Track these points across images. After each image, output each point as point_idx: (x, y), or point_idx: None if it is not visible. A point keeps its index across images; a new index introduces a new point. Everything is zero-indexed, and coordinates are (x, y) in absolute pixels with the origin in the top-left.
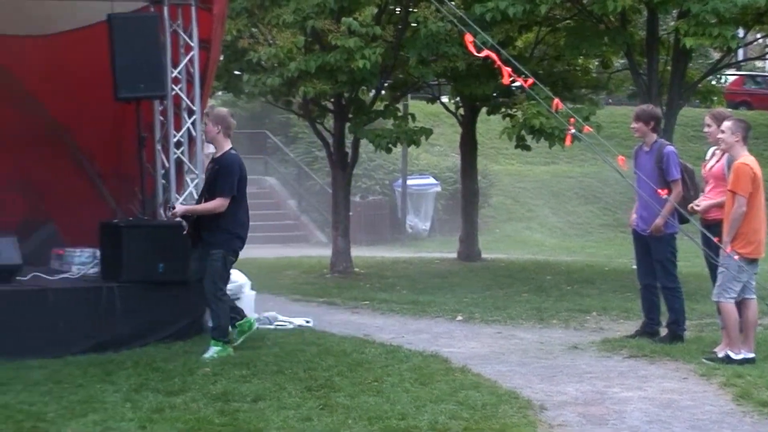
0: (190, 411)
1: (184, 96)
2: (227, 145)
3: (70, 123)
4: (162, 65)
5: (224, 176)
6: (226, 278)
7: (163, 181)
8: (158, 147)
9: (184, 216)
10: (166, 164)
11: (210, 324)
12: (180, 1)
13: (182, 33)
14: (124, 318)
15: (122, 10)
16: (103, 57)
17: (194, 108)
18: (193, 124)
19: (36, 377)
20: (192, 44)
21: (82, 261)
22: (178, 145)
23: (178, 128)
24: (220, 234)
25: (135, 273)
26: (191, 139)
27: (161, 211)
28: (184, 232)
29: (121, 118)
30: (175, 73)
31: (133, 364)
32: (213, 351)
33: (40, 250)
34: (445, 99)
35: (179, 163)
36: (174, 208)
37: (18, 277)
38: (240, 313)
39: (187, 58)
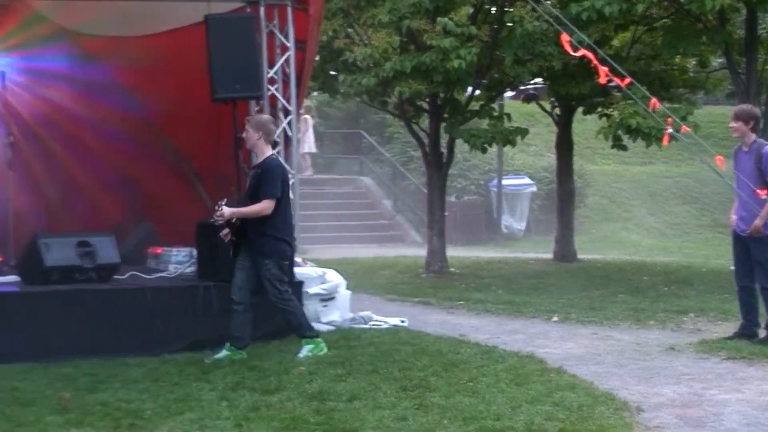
0: (286, 410)
1: (279, 96)
2: (268, 151)
3: (168, 123)
4: (258, 65)
5: (268, 179)
6: (286, 280)
7: None
8: None
9: (228, 221)
10: None
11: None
12: (276, 2)
13: (278, 33)
14: (221, 317)
15: (219, 10)
16: (200, 57)
17: (290, 108)
18: (288, 124)
19: (134, 375)
20: (288, 44)
21: (179, 260)
22: (274, 144)
23: None
24: (268, 241)
25: (231, 272)
26: (287, 139)
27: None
28: (227, 240)
29: (217, 118)
30: (271, 73)
31: (229, 363)
32: (306, 350)
33: (138, 250)
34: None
35: None
36: (222, 209)
37: (116, 276)
38: (245, 340)
39: (283, 58)
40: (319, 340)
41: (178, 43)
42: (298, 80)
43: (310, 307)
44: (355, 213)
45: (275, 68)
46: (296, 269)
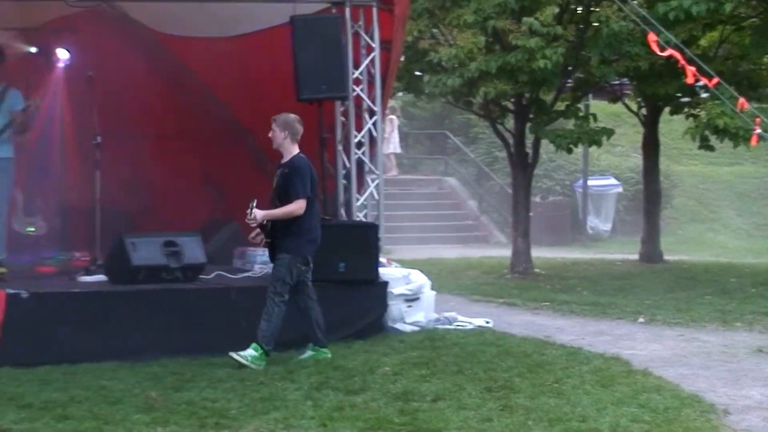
0: (371, 410)
1: (365, 97)
2: (295, 150)
3: (252, 123)
4: (343, 66)
5: (296, 178)
6: (288, 284)
7: (344, 182)
8: (339, 147)
9: (260, 224)
10: (347, 164)
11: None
12: (362, 2)
13: (363, 34)
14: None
15: (304, 11)
16: (286, 58)
17: (375, 109)
18: (374, 124)
19: (219, 374)
20: (373, 45)
21: (264, 260)
22: (359, 145)
23: (359, 129)
24: (290, 238)
25: (316, 272)
26: (372, 140)
27: (342, 212)
28: (262, 244)
29: (302, 118)
30: (357, 74)
31: (314, 363)
32: (248, 353)
33: (224, 249)
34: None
35: (360, 163)
36: (253, 211)
37: (202, 276)
38: (323, 340)
39: (369, 59)
40: (266, 357)
41: (263, 45)
42: (383, 81)
43: (395, 308)
44: (440, 213)
45: (360, 69)
46: (381, 269)
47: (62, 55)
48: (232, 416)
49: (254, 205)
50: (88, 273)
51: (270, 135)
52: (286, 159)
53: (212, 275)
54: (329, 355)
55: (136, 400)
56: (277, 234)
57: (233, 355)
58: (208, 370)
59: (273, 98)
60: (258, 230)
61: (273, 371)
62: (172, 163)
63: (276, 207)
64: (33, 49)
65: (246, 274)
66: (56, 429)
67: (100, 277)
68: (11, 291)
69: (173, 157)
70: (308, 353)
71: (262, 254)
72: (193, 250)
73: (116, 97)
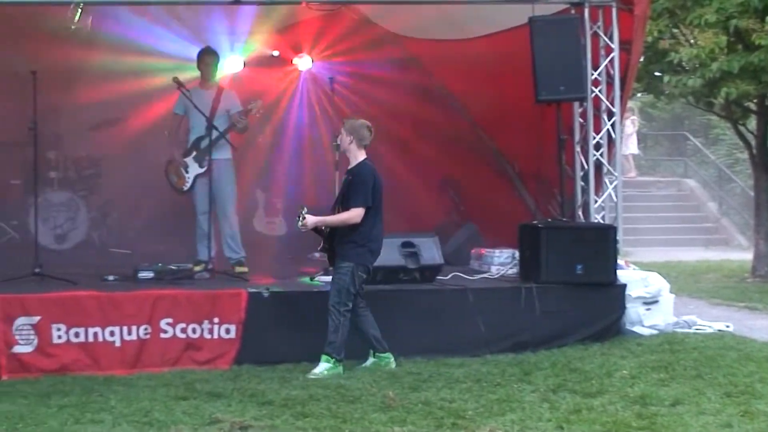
0: (608, 413)
1: (603, 98)
2: (361, 156)
3: (490, 125)
4: (582, 67)
5: (358, 186)
6: (352, 294)
7: (582, 183)
8: (577, 149)
9: (317, 229)
10: (585, 166)
11: (627, 326)
12: (601, 3)
13: (602, 35)
14: (543, 319)
15: (542, 12)
16: (523, 59)
17: (614, 110)
18: (612, 126)
19: (456, 375)
20: (612, 46)
21: (501, 261)
22: (598, 146)
23: (597, 130)
24: (351, 247)
25: (554, 274)
26: (610, 141)
27: (579, 213)
28: (319, 248)
29: (540, 120)
30: (595, 75)
31: (550, 365)
32: (322, 368)
33: (461, 250)
34: None
35: (598, 164)
36: (304, 218)
37: (439, 277)
38: (383, 345)
39: (607, 59)
40: (340, 363)
41: (501, 46)
42: (622, 82)
43: (633, 311)
44: (679, 216)
45: (599, 70)
46: (619, 272)
47: (304, 58)
48: (469, 417)
49: (305, 211)
50: (327, 273)
51: (339, 139)
52: (352, 165)
53: (449, 276)
54: (392, 360)
55: (373, 399)
56: (336, 241)
57: (311, 377)
58: (445, 370)
59: (511, 100)
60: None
61: (509, 373)
62: (412, 164)
63: (338, 212)
64: (275, 53)
65: (483, 276)
66: (295, 426)
67: None
68: (252, 290)
69: (414, 159)
70: (371, 360)
71: (499, 256)
72: (430, 251)
73: (356, 100)
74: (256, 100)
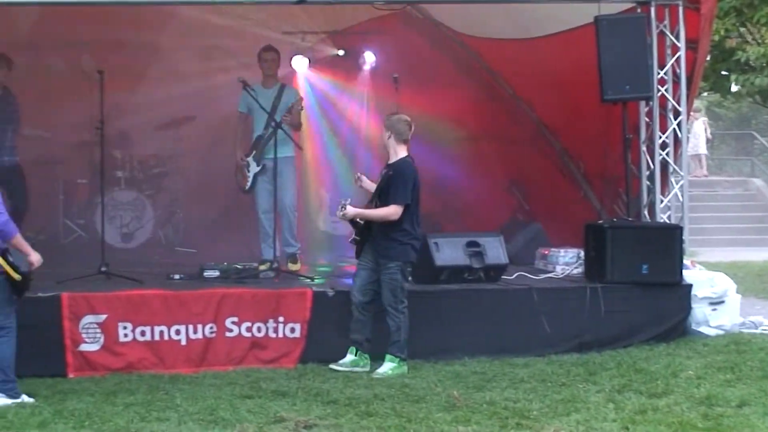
0: (673, 414)
1: (669, 97)
2: (401, 152)
3: (556, 124)
4: (648, 66)
5: (398, 183)
6: (405, 290)
7: (648, 183)
8: (643, 148)
9: (354, 221)
10: (651, 165)
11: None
12: (667, 1)
13: (669, 33)
14: (608, 319)
15: (608, 11)
16: (589, 59)
17: (680, 109)
18: (678, 125)
19: (520, 375)
20: (679, 45)
21: (566, 261)
22: (664, 146)
23: (663, 130)
24: (394, 245)
25: (619, 274)
26: (677, 141)
27: (645, 213)
28: (350, 240)
29: (606, 119)
30: (661, 74)
31: (616, 365)
32: (387, 368)
33: (526, 250)
34: None
35: (664, 164)
36: (345, 208)
37: (504, 276)
38: (363, 345)
39: (674, 58)
40: (405, 362)
41: (566, 46)
42: (688, 81)
43: (698, 311)
44: (746, 215)
45: (665, 69)
46: (685, 272)
47: (369, 57)
48: (533, 417)
49: (348, 201)
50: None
51: (381, 135)
52: (391, 160)
53: (514, 276)
54: (367, 364)
55: (438, 399)
56: (377, 239)
57: (375, 376)
58: (509, 370)
59: (576, 100)
60: (353, 228)
61: (574, 373)
62: (477, 164)
63: (376, 206)
64: (340, 52)
65: (547, 275)
66: (360, 425)
67: None
68: (317, 289)
69: (478, 159)
70: (349, 358)
71: (563, 255)
72: (495, 250)
73: (421, 99)
74: (297, 98)
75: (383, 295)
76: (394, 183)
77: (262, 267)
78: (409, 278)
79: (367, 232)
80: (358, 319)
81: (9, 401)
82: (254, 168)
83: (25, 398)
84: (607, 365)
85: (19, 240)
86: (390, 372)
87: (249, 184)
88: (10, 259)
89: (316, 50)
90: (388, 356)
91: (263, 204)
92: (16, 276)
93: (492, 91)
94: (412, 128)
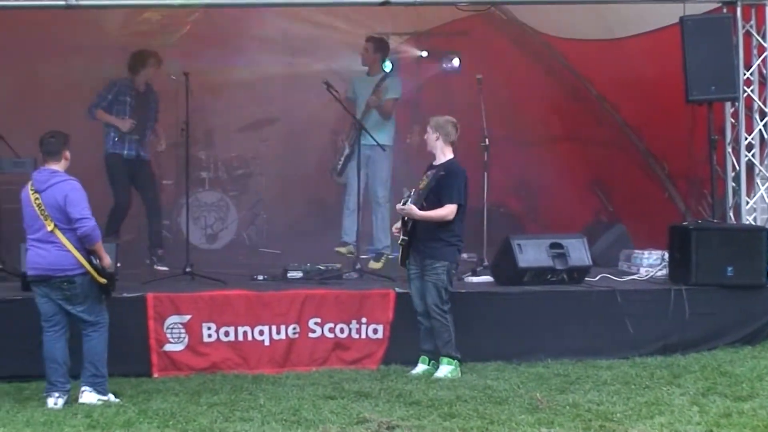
0: (759, 417)
1: (755, 98)
2: (449, 153)
3: (640, 125)
4: (734, 67)
5: (452, 183)
6: (450, 290)
7: (733, 184)
8: (728, 149)
9: (402, 221)
10: (737, 167)
11: None
12: (754, 1)
13: (755, 33)
14: (693, 321)
15: (694, 11)
16: (674, 59)
17: (766, 110)
18: (764, 126)
19: (604, 377)
20: (765, 45)
21: (650, 263)
22: (749, 147)
23: (749, 131)
24: (443, 245)
25: (704, 276)
26: (762, 142)
27: (730, 215)
28: (399, 242)
29: (691, 120)
30: (747, 74)
31: (700, 368)
32: (447, 370)
33: (609, 252)
34: None
35: (750, 165)
36: (409, 205)
37: (587, 278)
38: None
39: (760, 59)
40: (458, 363)
41: (651, 46)
42: None
43: None
44: None
45: (751, 69)
46: None
47: (452, 59)
48: (617, 420)
49: (411, 199)
50: (475, 273)
51: (425, 137)
52: (440, 161)
53: (597, 278)
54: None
55: (520, 401)
56: (422, 239)
57: (435, 381)
58: (593, 372)
59: (661, 100)
60: (400, 225)
61: (658, 375)
62: (560, 165)
63: (421, 207)
64: (424, 53)
65: (631, 277)
66: (442, 427)
67: (487, 278)
68: (400, 290)
69: (562, 160)
70: (422, 367)
71: (648, 257)
72: (578, 252)
73: (505, 100)
74: (396, 83)
75: (428, 296)
76: (447, 183)
77: (342, 249)
78: (453, 280)
79: (413, 234)
80: (426, 328)
81: (96, 398)
82: (345, 150)
83: (111, 397)
84: (691, 368)
85: (99, 246)
86: (449, 375)
87: (340, 165)
88: (95, 262)
89: (400, 51)
90: (444, 359)
91: (351, 186)
92: (102, 279)
93: (576, 91)
94: (458, 130)
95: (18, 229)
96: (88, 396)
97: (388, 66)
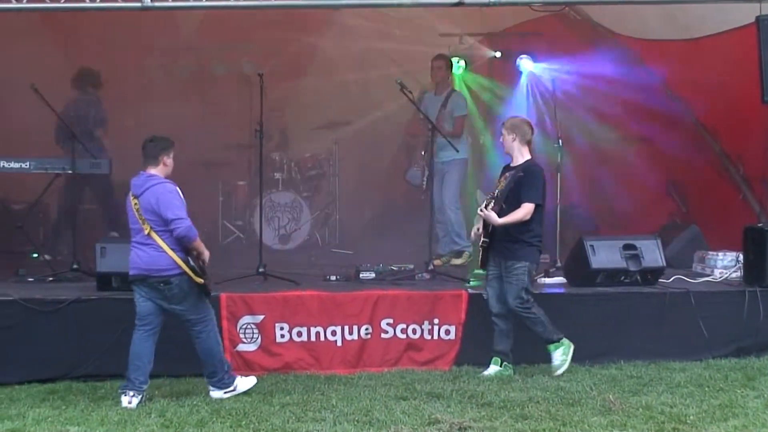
0: None
1: None
2: (526, 154)
3: (715, 125)
4: None
5: (531, 183)
6: (530, 289)
7: None
8: None
9: (485, 224)
10: None
11: None
12: None
13: None
14: (767, 323)
15: None
16: (750, 59)
17: None
18: None
19: (677, 379)
20: None
21: (724, 265)
22: None
23: None
24: (523, 246)
25: (759, 279)
26: None
27: None
28: (480, 244)
29: (766, 120)
30: None
31: None
32: (559, 355)
33: (683, 253)
34: None
35: None
36: (491, 212)
37: (661, 280)
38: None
39: None
40: (565, 339)
41: (725, 46)
42: None
43: None
44: None
45: None
46: None
47: (526, 60)
48: (690, 422)
49: (491, 203)
50: (548, 275)
51: (501, 140)
52: (518, 162)
53: (671, 279)
54: (512, 372)
55: (593, 402)
56: (499, 239)
57: (555, 373)
58: (666, 374)
59: (736, 101)
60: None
61: (732, 378)
62: (635, 165)
63: (501, 209)
64: (497, 54)
65: (705, 279)
66: (514, 428)
67: (560, 279)
68: (472, 291)
69: (636, 160)
70: (494, 369)
71: (722, 259)
72: (652, 253)
73: (579, 101)
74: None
75: (509, 297)
76: (527, 183)
77: (437, 262)
78: (534, 282)
79: (492, 235)
80: (501, 330)
81: (220, 393)
82: (426, 171)
83: (238, 385)
84: (765, 370)
85: (198, 243)
86: (564, 357)
87: (425, 184)
88: (191, 263)
89: (474, 52)
90: (551, 346)
91: (434, 204)
92: (199, 280)
93: (650, 92)
94: (534, 130)
95: (93, 230)
96: (214, 393)
97: (459, 67)
